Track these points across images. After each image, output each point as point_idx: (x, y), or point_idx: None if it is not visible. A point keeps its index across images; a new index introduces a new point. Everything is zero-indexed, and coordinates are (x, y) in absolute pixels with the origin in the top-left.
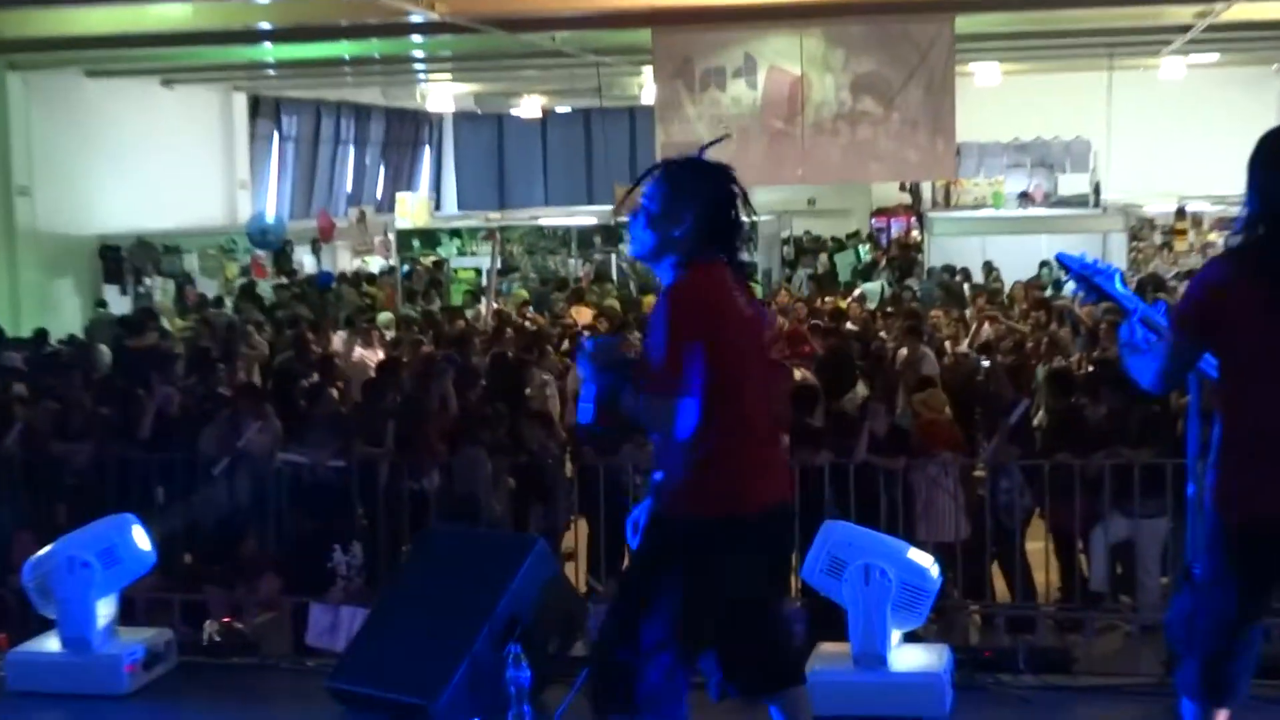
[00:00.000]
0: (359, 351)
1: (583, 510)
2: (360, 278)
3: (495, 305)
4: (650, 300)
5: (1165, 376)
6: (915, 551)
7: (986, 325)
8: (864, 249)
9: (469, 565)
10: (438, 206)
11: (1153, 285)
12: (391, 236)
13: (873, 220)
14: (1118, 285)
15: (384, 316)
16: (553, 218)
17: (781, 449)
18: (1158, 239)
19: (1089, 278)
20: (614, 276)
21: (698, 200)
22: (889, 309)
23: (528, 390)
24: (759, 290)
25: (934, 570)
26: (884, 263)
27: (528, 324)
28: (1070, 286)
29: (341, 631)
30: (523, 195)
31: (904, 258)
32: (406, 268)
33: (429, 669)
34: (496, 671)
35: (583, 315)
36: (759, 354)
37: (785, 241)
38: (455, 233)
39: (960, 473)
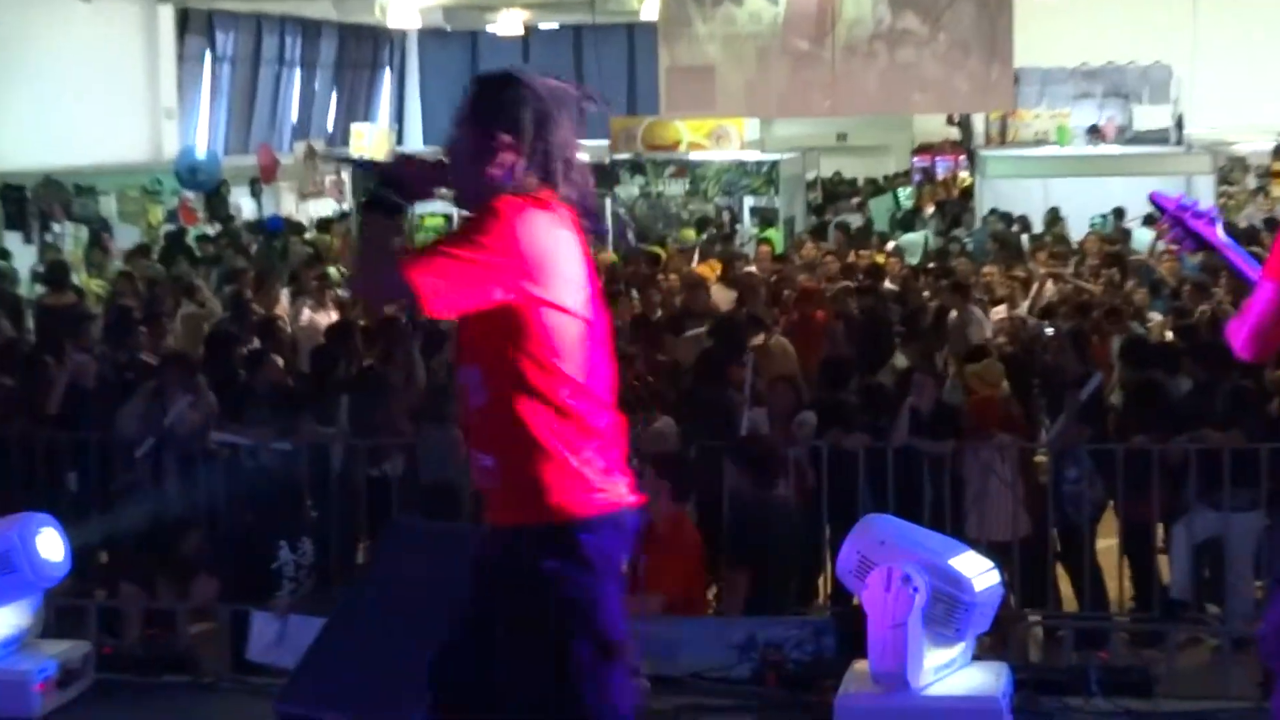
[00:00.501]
0: (308, 314)
1: None
2: (308, 225)
3: None
4: (655, 252)
5: (1257, 337)
6: (966, 556)
7: (1049, 284)
8: (904, 193)
9: (441, 566)
10: (400, 140)
11: (1245, 239)
12: (345, 177)
13: (914, 159)
14: (1220, 234)
15: (336, 272)
16: None
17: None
18: (1251, 182)
19: (1184, 221)
20: (608, 225)
21: (520, 122)
22: (933, 265)
23: None
24: (778, 241)
25: (984, 579)
26: (928, 210)
27: None
28: (1146, 236)
29: (289, 644)
30: None
31: (951, 204)
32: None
33: (395, 690)
34: None
35: None
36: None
37: (811, 184)
38: None
39: (1019, 458)
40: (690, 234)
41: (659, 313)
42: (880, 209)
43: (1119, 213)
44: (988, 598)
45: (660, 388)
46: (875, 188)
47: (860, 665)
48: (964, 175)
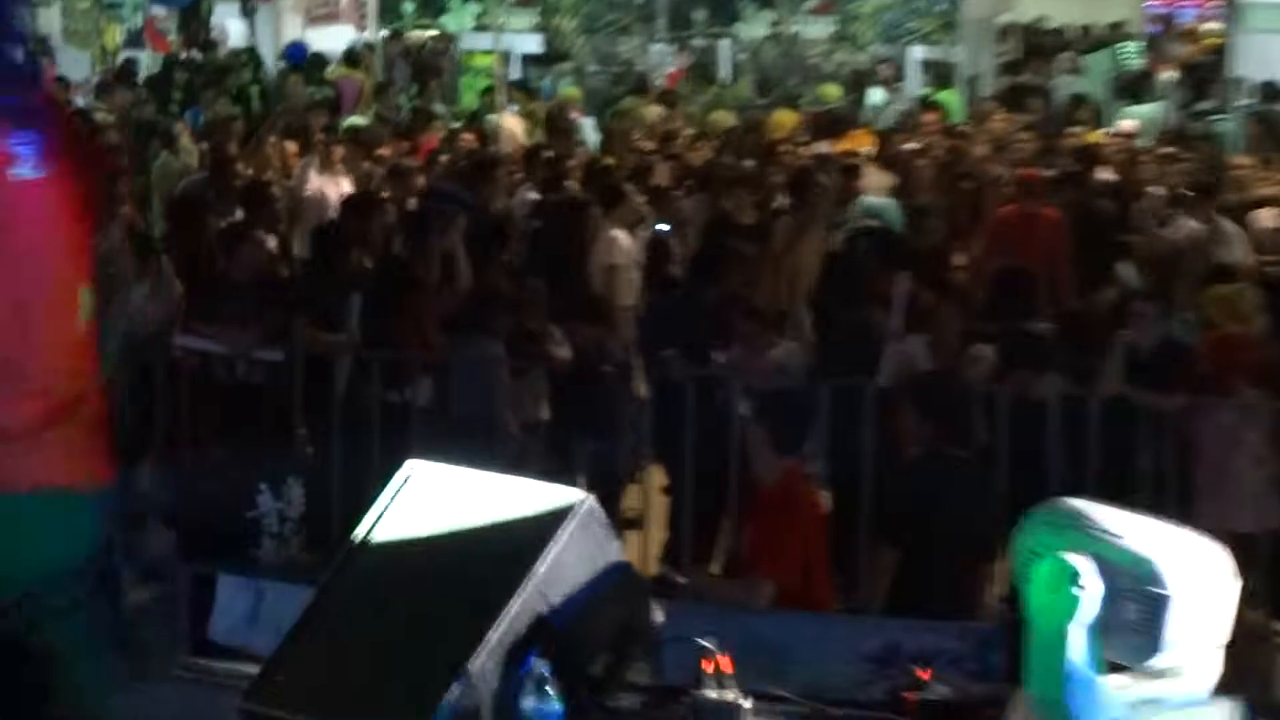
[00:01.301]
0: (314, 180)
1: (658, 453)
2: (318, 61)
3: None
4: (786, 117)
5: None
6: (1181, 549)
7: None
8: (1131, 49)
9: (471, 528)
10: None
11: None
12: None
13: (1148, 3)
14: None
15: (354, 122)
16: None
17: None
18: None
19: None
20: (720, 74)
21: None
22: (1169, 150)
23: (585, 258)
24: (955, 108)
25: (1206, 580)
26: (1164, 75)
27: (580, 147)
28: None
29: (266, 621)
30: None
31: (1198, 67)
32: (391, 42)
33: (399, 693)
34: (506, 701)
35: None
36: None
37: (1005, 32)
38: None
39: (1275, 423)
40: (832, 92)
41: (777, 200)
42: (1098, 70)
43: None
44: (1213, 609)
45: (782, 305)
46: (1092, 41)
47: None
48: (1215, 26)
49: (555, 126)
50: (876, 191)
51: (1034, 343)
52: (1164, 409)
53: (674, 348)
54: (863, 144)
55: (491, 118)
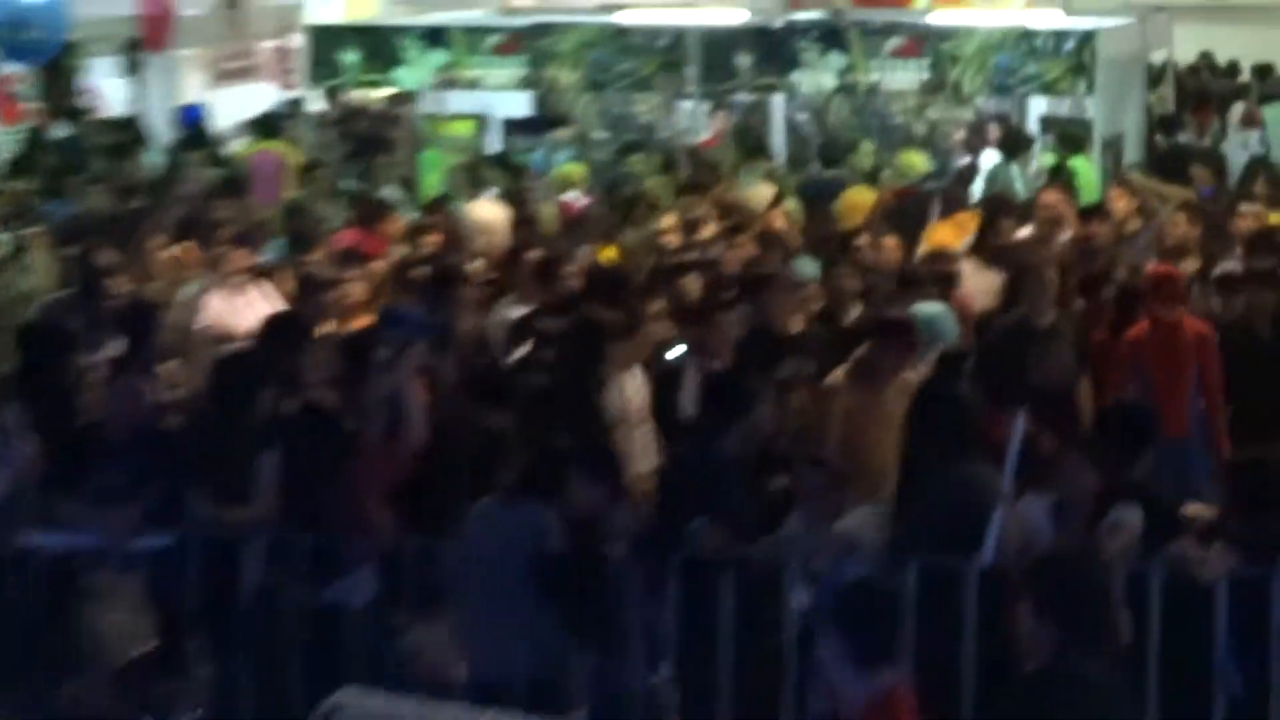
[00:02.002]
0: (214, 304)
1: (683, 668)
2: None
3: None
4: (862, 197)
5: None
6: None
7: None
8: None
9: None
10: None
11: None
12: (296, 42)
13: None
14: None
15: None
16: (649, 7)
17: None
18: None
19: None
20: (771, 142)
21: None
22: None
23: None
24: (1090, 180)
25: None
26: None
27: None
28: None
29: None
30: None
31: None
32: (327, 105)
33: None
34: None
35: (706, 225)
36: None
37: (1158, 76)
38: (434, 36)
39: None
40: (917, 162)
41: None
42: (1275, 114)
43: None
44: None
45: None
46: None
47: None
48: None
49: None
50: (981, 295)
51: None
52: None
53: (704, 515)
54: (962, 231)
55: (462, 205)
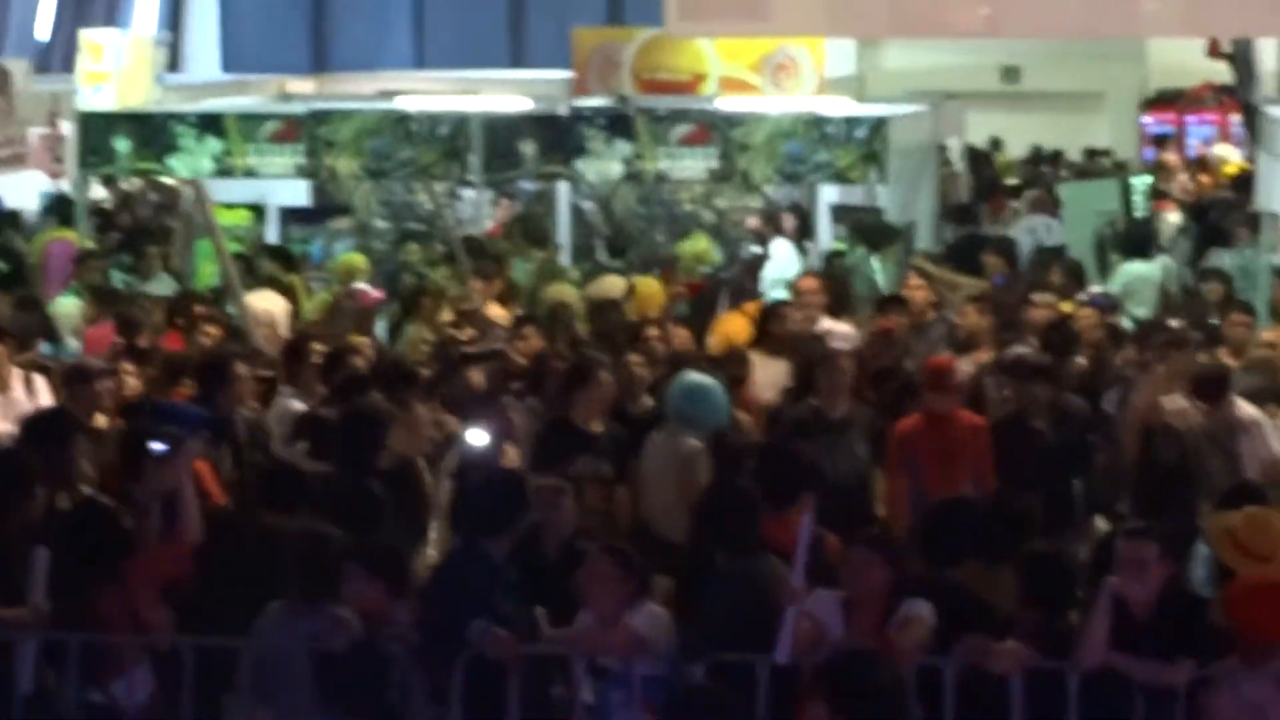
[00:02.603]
0: None
1: None
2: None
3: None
4: (649, 287)
5: None
6: None
7: None
8: (1139, 186)
9: None
10: (173, 65)
11: None
12: (66, 129)
13: (1146, 119)
14: None
15: (67, 305)
16: (430, 93)
17: None
18: None
19: None
20: (559, 229)
21: None
22: (1175, 324)
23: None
24: (880, 270)
25: None
26: (1169, 217)
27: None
28: None
29: None
30: (362, 47)
31: (1214, 204)
32: (105, 193)
33: None
34: None
35: (497, 312)
36: None
37: (949, 160)
38: (211, 123)
39: None
40: (700, 247)
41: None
42: (1080, 213)
43: None
44: None
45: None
46: (1077, 169)
47: None
48: (1234, 151)
49: (337, 308)
50: (767, 387)
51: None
52: (1166, 684)
53: (485, 616)
54: (751, 322)
55: (245, 297)
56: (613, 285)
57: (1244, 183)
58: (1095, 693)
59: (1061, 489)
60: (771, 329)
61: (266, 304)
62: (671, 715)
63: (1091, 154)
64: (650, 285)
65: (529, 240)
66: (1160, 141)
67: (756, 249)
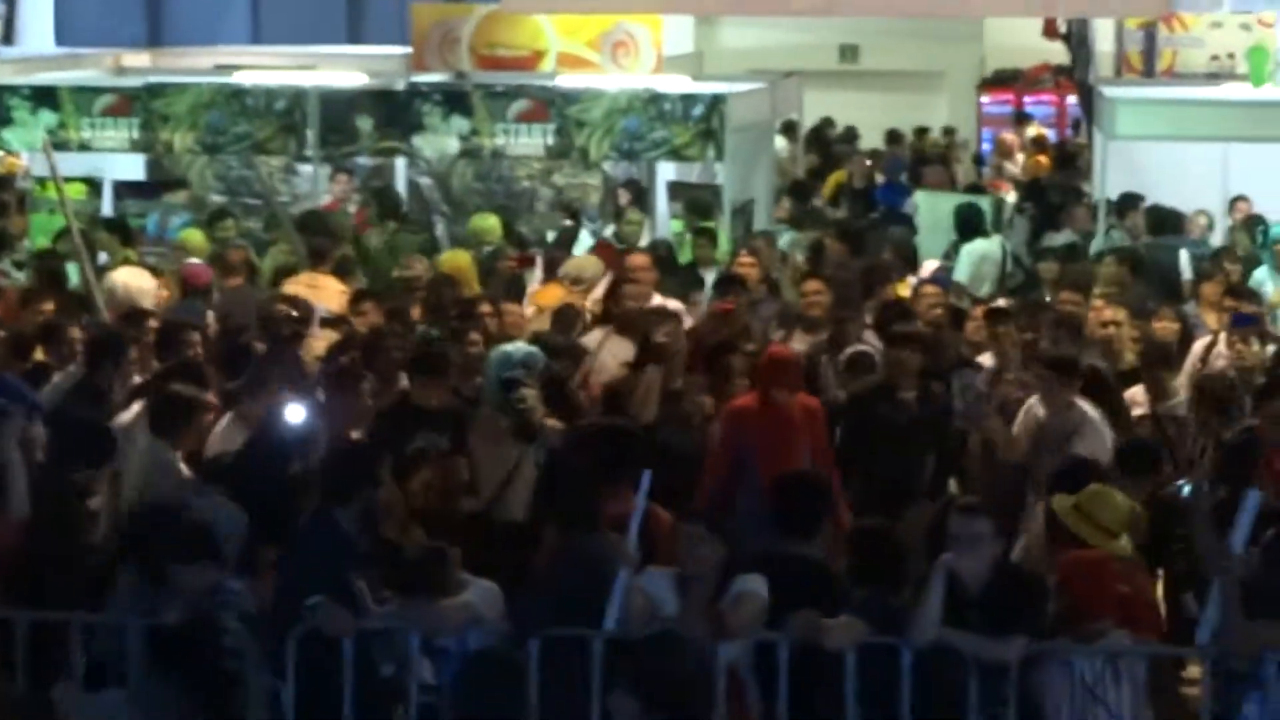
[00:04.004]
0: None
1: None
2: None
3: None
4: (463, 259)
5: None
6: None
7: (1224, 344)
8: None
9: None
10: (7, 38)
11: None
12: None
13: (984, 99)
14: None
15: None
16: (267, 68)
17: None
18: None
19: None
20: (401, 205)
21: None
22: (1006, 301)
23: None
24: (721, 245)
25: None
26: (1005, 195)
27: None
28: None
29: None
30: (199, 21)
31: (1049, 184)
32: None
33: None
34: None
35: (326, 293)
36: None
37: (786, 135)
38: (46, 96)
39: (1151, 673)
40: (489, 224)
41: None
42: (929, 204)
43: None
44: None
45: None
46: (918, 155)
47: None
48: (1073, 134)
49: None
50: (613, 364)
51: (822, 575)
52: (996, 659)
53: (324, 592)
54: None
55: (114, 275)
56: (459, 260)
57: (1068, 160)
58: (928, 668)
59: (915, 464)
60: (611, 307)
61: (132, 279)
62: (459, 682)
63: (921, 132)
64: (460, 257)
65: (382, 212)
66: (1021, 120)
67: (568, 222)
